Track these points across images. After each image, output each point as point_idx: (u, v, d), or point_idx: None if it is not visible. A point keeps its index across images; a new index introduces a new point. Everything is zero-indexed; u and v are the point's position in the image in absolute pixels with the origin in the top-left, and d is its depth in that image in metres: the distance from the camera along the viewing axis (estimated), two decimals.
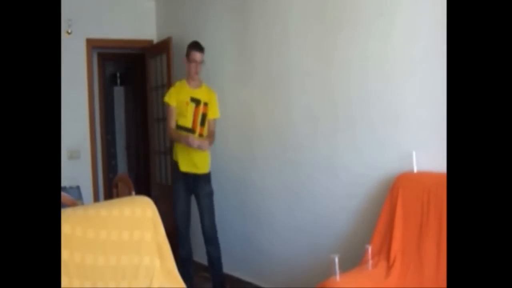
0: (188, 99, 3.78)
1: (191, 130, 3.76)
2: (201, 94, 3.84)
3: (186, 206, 3.83)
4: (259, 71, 3.95)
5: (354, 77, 3.15)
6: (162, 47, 5.05)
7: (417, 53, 2.77)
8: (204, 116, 3.81)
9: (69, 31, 4.92)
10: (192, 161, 3.77)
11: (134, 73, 6.78)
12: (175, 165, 3.86)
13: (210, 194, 3.86)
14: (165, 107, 4.04)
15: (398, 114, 2.89)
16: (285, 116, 3.71)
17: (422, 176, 2.69)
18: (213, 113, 3.87)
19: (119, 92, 7.44)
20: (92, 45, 5.26)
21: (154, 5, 5.52)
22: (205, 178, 3.85)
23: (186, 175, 3.80)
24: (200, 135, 3.78)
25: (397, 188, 2.72)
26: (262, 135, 3.96)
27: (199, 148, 3.65)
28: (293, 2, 3.59)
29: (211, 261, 3.85)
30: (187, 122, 3.77)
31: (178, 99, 3.79)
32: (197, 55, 3.79)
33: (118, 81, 7.45)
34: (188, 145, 3.62)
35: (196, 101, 3.80)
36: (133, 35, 5.40)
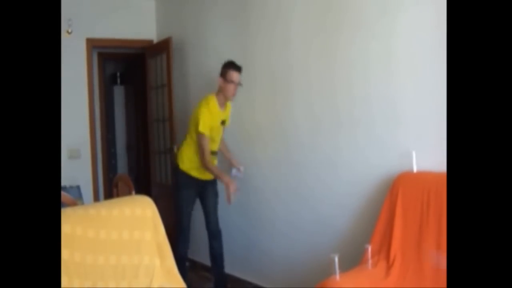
0: (219, 123, 3.72)
1: (214, 153, 3.79)
2: (227, 113, 3.82)
3: (192, 208, 3.86)
4: (261, 71, 3.95)
5: (356, 77, 3.15)
6: (162, 47, 5.05)
7: (418, 53, 2.77)
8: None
9: (69, 31, 4.92)
10: (205, 173, 3.76)
11: (134, 73, 6.78)
12: (182, 173, 3.77)
13: (217, 193, 3.89)
14: (199, 135, 3.63)
15: (399, 114, 2.89)
16: (286, 115, 3.71)
17: (422, 176, 2.69)
18: (227, 124, 3.88)
19: (119, 91, 7.44)
20: (92, 44, 5.26)
21: (154, 5, 5.52)
22: (214, 181, 3.88)
23: (197, 181, 3.79)
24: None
25: (397, 187, 2.72)
26: (263, 134, 3.96)
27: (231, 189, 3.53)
28: (295, 1, 3.59)
29: (214, 257, 3.88)
30: (215, 147, 3.77)
31: (211, 126, 3.63)
32: (236, 76, 3.61)
33: (118, 80, 7.45)
34: (227, 190, 3.51)
35: (223, 122, 3.79)
36: (133, 35, 5.40)
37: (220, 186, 3.91)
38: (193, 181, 3.79)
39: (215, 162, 3.84)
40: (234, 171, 3.88)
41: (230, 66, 3.63)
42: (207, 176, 3.79)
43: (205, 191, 3.85)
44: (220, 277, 3.91)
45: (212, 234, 3.88)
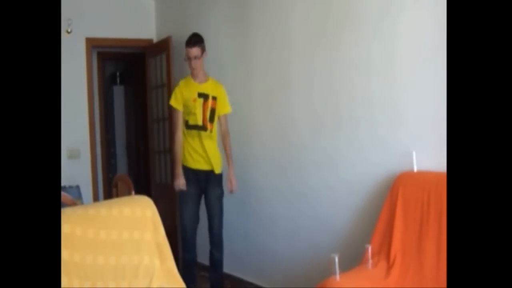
0: (196, 95, 3.62)
1: (203, 127, 3.63)
2: (208, 88, 3.67)
3: (196, 210, 3.69)
4: (261, 70, 3.95)
5: (356, 77, 3.15)
6: (162, 47, 5.05)
7: (418, 53, 2.77)
8: (213, 112, 3.66)
9: (69, 31, 4.91)
10: (206, 156, 3.62)
11: (134, 73, 6.78)
12: (183, 166, 3.68)
13: (221, 196, 3.72)
14: (171, 108, 3.87)
15: (399, 114, 2.89)
16: (287, 115, 3.71)
17: (422, 176, 2.69)
18: (224, 108, 3.72)
19: (119, 91, 7.44)
20: (92, 44, 5.25)
21: (153, 4, 5.52)
22: (218, 179, 3.72)
23: (198, 174, 3.65)
24: (210, 131, 3.67)
25: (397, 187, 2.72)
26: (264, 133, 3.96)
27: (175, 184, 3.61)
28: (296, 1, 3.59)
29: (213, 263, 3.79)
30: (198, 120, 3.61)
31: (184, 98, 3.63)
32: (190, 51, 3.60)
33: (118, 80, 7.44)
34: (175, 181, 3.61)
35: (204, 96, 3.63)
36: (133, 35, 5.39)
37: (225, 185, 3.85)
38: (192, 174, 3.65)
39: (211, 145, 3.67)
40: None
41: (185, 43, 3.67)
42: (207, 166, 3.65)
43: (208, 189, 3.67)
44: (217, 281, 3.84)
45: (213, 241, 3.72)
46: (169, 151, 4.97)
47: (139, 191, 3.38)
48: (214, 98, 3.67)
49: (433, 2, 2.63)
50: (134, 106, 7.02)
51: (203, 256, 4.04)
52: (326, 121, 3.37)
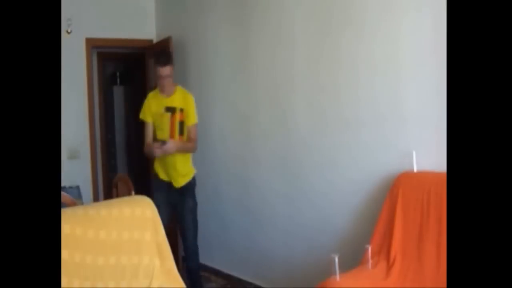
0: (163, 110, 3.60)
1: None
2: (175, 101, 3.61)
3: (166, 219, 3.39)
4: (262, 70, 3.94)
5: (357, 78, 3.15)
6: (162, 47, 5.04)
7: (418, 54, 2.78)
8: (182, 124, 3.60)
9: (69, 31, 4.91)
10: (175, 171, 3.59)
11: (134, 73, 6.77)
12: (155, 175, 3.71)
13: (194, 208, 3.63)
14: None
15: (399, 114, 2.89)
16: (288, 115, 3.71)
17: (422, 176, 2.69)
18: (191, 119, 3.62)
19: (119, 91, 7.43)
20: (92, 44, 5.25)
21: (154, 5, 5.51)
22: (189, 190, 3.64)
23: (167, 185, 3.62)
24: None
25: (397, 187, 2.71)
26: (263, 134, 3.95)
27: (165, 153, 3.44)
28: (293, 3, 3.59)
29: (189, 274, 3.67)
30: (165, 135, 3.58)
31: (152, 112, 3.63)
32: (162, 71, 3.53)
33: (118, 80, 7.44)
34: (154, 154, 3.47)
35: (171, 110, 3.59)
36: (132, 35, 5.39)
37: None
38: (162, 184, 3.64)
39: (176, 156, 3.57)
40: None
41: (156, 61, 3.61)
42: (174, 181, 3.61)
43: (178, 201, 3.62)
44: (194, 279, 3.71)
45: (187, 253, 3.66)
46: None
47: (138, 191, 3.38)
48: (182, 110, 3.61)
49: (435, 2, 2.63)
50: (134, 106, 7.00)
51: (202, 257, 4.03)
52: (326, 121, 3.37)
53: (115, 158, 7.32)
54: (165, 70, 3.53)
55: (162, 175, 3.65)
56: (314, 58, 3.45)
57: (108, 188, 5.65)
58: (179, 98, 3.64)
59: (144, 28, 5.45)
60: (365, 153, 3.10)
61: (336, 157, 3.31)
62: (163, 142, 3.47)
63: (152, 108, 3.64)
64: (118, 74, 7.43)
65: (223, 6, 4.36)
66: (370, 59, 3.05)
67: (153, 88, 3.89)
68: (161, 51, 3.67)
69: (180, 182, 3.62)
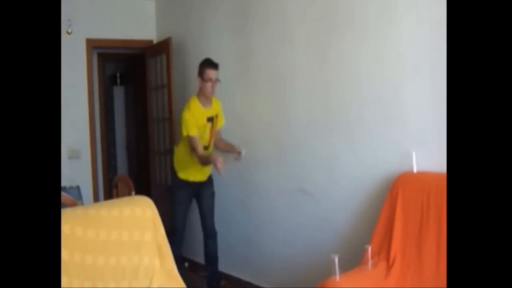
0: (205, 121, 3.73)
1: (206, 148, 3.79)
2: (213, 110, 3.81)
3: (187, 210, 3.89)
4: (261, 71, 3.95)
5: (355, 78, 3.15)
6: (162, 47, 5.05)
7: (417, 53, 2.78)
8: (214, 129, 3.86)
9: (69, 31, 4.91)
10: (203, 171, 3.82)
11: (134, 73, 6.78)
12: (178, 176, 3.85)
13: (213, 194, 3.94)
14: (184, 135, 3.71)
15: (398, 114, 2.89)
16: (287, 114, 3.71)
17: (422, 176, 2.69)
18: (221, 123, 3.91)
19: (119, 92, 7.44)
20: (92, 45, 5.26)
21: (154, 5, 5.52)
22: (209, 181, 3.94)
23: (193, 184, 3.84)
24: (210, 146, 3.85)
25: (397, 188, 2.72)
26: (264, 135, 3.96)
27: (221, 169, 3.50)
28: (294, 3, 3.59)
29: (208, 257, 3.91)
30: (204, 142, 3.76)
31: (198, 125, 3.66)
32: (212, 73, 3.62)
33: (118, 81, 7.45)
34: (216, 165, 3.45)
35: (211, 119, 3.79)
36: (133, 35, 5.40)
37: (217, 186, 3.93)
38: (188, 184, 3.84)
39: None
40: (236, 155, 3.89)
41: (206, 64, 3.67)
42: (202, 177, 3.85)
43: (201, 191, 3.88)
44: (213, 276, 3.95)
45: (207, 234, 3.91)
46: (170, 152, 4.98)
47: (139, 192, 3.38)
48: (216, 117, 3.84)
49: (435, 2, 2.63)
50: (134, 106, 7.03)
51: (202, 257, 4.04)
52: (327, 121, 3.37)
53: (115, 159, 7.33)
54: (216, 73, 3.65)
55: (193, 177, 3.81)
56: (314, 59, 3.45)
57: (108, 188, 5.66)
58: (214, 106, 3.82)
59: (144, 28, 5.46)
60: (365, 153, 3.10)
61: (337, 157, 3.31)
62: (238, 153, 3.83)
63: (198, 121, 3.67)
64: (118, 74, 7.43)
65: (223, 6, 4.36)
66: (370, 59, 3.05)
67: (190, 98, 3.76)
68: (206, 58, 3.73)
69: (207, 175, 3.89)
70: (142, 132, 6.49)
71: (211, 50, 4.49)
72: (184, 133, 3.64)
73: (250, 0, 4.03)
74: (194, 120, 3.63)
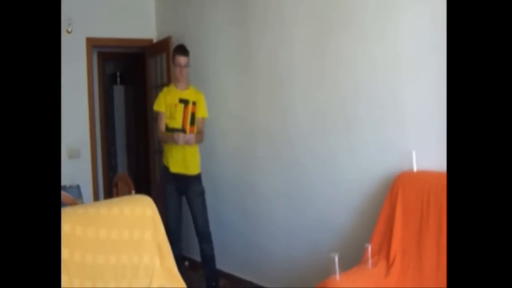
0: (177, 101, 3.88)
1: (182, 130, 3.84)
2: (189, 94, 3.93)
3: (178, 207, 3.92)
4: (261, 70, 3.95)
5: (355, 78, 3.15)
6: (162, 46, 5.05)
7: (418, 53, 2.77)
8: (193, 116, 3.90)
9: (69, 30, 4.91)
10: (183, 162, 3.85)
11: (134, 72, 6.78)
12: (164, 167, 3.94)
13: (202, 193, 3.93)
14: (155, 113, 4.10)
15: (399, 114, 2.89)
16: (287, 114, 3.71)
17: (422, 176, 2.69)
18: (202, 112, 3.95)
19: (119, 91, 7.44)
20: (92, 44, 5.25)
21: (154, 4, 5.52)
22: (196, 179, 3.92)
23: (177, 177, 3.87)
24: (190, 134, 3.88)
25: (397, 187, 2.72)
26: (263, 134, 3.96)
27: (186, 143, 3.75)
28: (297, 1, 3.59)
29: (204, 258, 3.92)
30: (177, 123, 3.85)
31: (166, 103, 3.88)
32: (181, 59, 3.87)
33: (118, 80, 7.45)
34: (175, 142, 3.72)
35: (185, 102, 3.89)
36: (133, 34, 5.39)
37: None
38: (172, 176, 3.86)
39: (189, 151, 3.89)
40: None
41: (176, 51, 3.95)
42: (185, 170, 3.86)
43: (189, 188, 3.88)
44: (211, 276, 3.95)
45: (201, 236, 3.91)
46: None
47: (139, 191, 3.38)
48: (194, 103, 3.92)
49: (435, 2, 2.63)
50: (134, 105, 7.02)
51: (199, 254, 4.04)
52: (326, 121, 3.37)
53: (115, 158, 7.33)
54: (185, 60, 3.90)
55: (174, 167, 3.86)
56: (314, 58, 3.45)
57: (108, 188, 5.66)
58: (192, 92, 3.98)
59: (144, 28, 5.46)
60: (365, 152, 3.10)
61: (336, 156, 3.31)
62: (184, 133, 3.81)
63: (167, 99, 3.89)
64: (118, 73, 7.43)
65: (223, 6, 4.36)
66: (370, 59, 3.05)
67: (165, 84, 4.27)
68: (179, 44, 4.09)
69: (191, 170, 3.89)
70: (142, 131, 6.49)
71: (211, 50, 4.50)
72: (153, 107, 3.96)
73: (250, 1, 4.03)
74: (163, 97, 3.91)
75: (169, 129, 3.85)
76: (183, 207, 3.97)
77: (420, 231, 2.56)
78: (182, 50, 3.92)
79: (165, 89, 4.05)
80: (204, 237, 3.89)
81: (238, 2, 4.16)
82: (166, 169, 3.92)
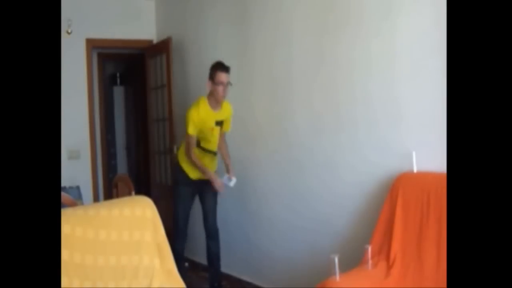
0: (213, 125, 3.67)
1: (214, 153, 3.80)
2: (223, 114, 3.74)
3: (189, 207, 3.90)
4: (261, 71, 3.95)
5: (356, 77, 3.15)
6: (162, 47, 5.05)
7: (418, 53, 2.77)
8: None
9: (69, 31, 4.92)
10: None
11: (134, 73, 6.78)
12: (182, 171, 3.82)
13: (216, 193, 3.86)
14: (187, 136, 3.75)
15: (399, 114, 2.89)
16: (286, 115, 3.71)
17: (422, 176, 2.69)
18: (228, 127, 3.86)
19: (119, 92, 7.44)
20: (92, 45, 5.26)
21: (153, 5, 5.52)
22: None
23: (196, 182, 3.82)
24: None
25: (397, 188, 2.71)
26: (264, 134, 3.96)
27: (218, 189, 3.71)
28: (291, 3, 3.59)
29: (210, 257, 3.91)
30: (212, 147, 3.75)
31: (202, 126, 3.63)
32: (223, 76, 3.55)
33: (118, 81, 7.45)
34: (209, 178, 3.68)
35: (220, 123, 3.74)
36: (132, 35, 5.40)
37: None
38: (191, 180, 3.82)
39: (214, 162, 3.86)
40: (225, 178, 3.77)
41: (217, 67, 3.59)
42: (203, 176, 3.80)
43: (205, 189, 3.85)
44: (215, 276, 3.95)
45: (209, 233, 3.90)
46: (169, 151, 4.98)
47: (139, 192, 3.38)
48: (225, 121, 3.81)
49: (434, 1, 2.63)
50: (134, 106, 7.03)
51: (202, 257, 4.04)
52: (326, 121, 3.37)
53: (115, 158, 7.33)
54: (227, 77, 3.58)
55: (194, 175, 3.79)
56: (313, 58, 3.45)
57: (108, 188, 5.66)
58: (225, 110, 3.75)
59: (144, 28, 5.46)
60: (365, 153, 3.10)
61: (336, 157, 3.31)
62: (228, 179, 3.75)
63: (204, 123, 3.63)
64: (118, 74, 7.44)
65: (222, 6, 4.36)
66: (369, 59, 3.05)
67: (198, 98, 3.73)
68: (217, 61, 3.67)
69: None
70: (142, 132, 6.49)
71: (210, 50, 4.50)
72: (187, 131, 3.62)
73: (249, 1, 4.03)
74: (198, 119, 3.59)
75: (202, 148, 3.73)
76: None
77: (420, 232, 2.56)
78: (223, 66, 3.57)
79: (201, 108, 3.62)
80: (213, 233, 3.89)
81: (237, 3, 4.16)
82: (184, 174, 3.81)
